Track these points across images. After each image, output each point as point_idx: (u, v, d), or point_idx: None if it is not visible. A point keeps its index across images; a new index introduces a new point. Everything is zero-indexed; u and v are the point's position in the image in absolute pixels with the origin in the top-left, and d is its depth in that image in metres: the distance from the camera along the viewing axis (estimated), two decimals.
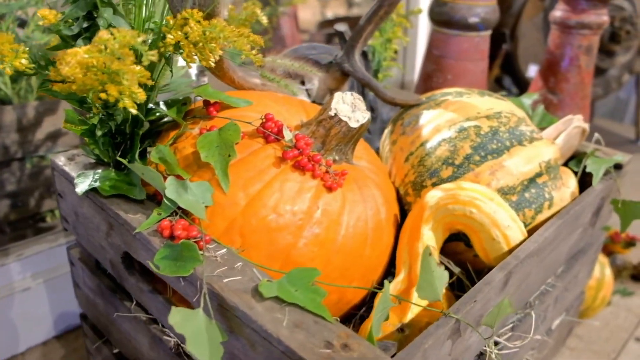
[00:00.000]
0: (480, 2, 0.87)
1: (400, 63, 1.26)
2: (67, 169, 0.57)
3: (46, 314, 0.78)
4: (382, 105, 0.87)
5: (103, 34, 0.38)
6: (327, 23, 3.43)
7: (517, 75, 1.45)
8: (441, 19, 0.89)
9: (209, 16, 0.47)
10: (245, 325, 0.38)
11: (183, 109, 0.56)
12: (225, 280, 0.40)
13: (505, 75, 1.52)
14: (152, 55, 0.37)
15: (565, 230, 0.56)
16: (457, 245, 0.59)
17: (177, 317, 0.36)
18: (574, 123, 0.67)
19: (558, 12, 0.94)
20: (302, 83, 0.78)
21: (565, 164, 0.70)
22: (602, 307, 0.88)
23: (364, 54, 0.82)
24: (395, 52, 0.91)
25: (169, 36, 0.45)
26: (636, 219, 0.63)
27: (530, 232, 0.54)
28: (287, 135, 0.51)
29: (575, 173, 0.68)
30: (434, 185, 0.59)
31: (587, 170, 0.65)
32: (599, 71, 1.45)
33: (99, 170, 0.54)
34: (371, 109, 0.85)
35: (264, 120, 0.52)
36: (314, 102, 0.78)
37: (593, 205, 0.62)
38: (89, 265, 0.61)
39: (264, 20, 0.74)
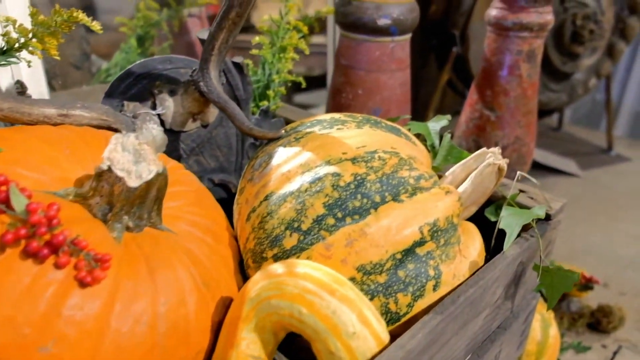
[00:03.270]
0: (392, 0, 0.70)
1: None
2: None
3: None
4: (269, 128, 0.70)
5: None
6: None
7: (470, 81, 1.28)
8: (347, 21, 0.72)
9: None
10: None
11: None
12: None
13: (459, 82, 1.36)
14: None
15: (452, 326, 0.40)
16: None
17: None
18: (487, 160, 0.50)
19: (493, 11, 0.77)
20: (154, 106, 0.61)
21: (481, 212, 0.53)
22: None
23: (239, 67, 0.65)
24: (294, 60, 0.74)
25: None
26: (566, 290, 0.47)
27: (406, 327, 0.38)
28: (18, 203, 0.34)
29: (494, 224, 0.51)
30: (276, 258, 0.42)
31: (501, 226, 0.48)
32: (563, 75, 1.28)
33: None
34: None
35: None
36: (170, 130, 0.61)
37: (505, 277, 0.46)
38: None
39: (97, 27, 0.57)
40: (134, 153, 0.38)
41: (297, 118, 0.70)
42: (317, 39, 1.92)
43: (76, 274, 0.34)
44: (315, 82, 1.54)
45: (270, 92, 0.71)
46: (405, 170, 0.44)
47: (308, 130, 0.49)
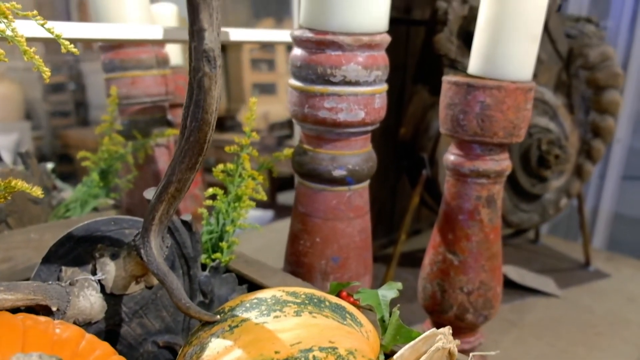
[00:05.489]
0: (347, 151, 0.70)
1: None
2: None
3: None
4: (219, 285, 0.68)
5: None
6: (276, 126, 3.34)
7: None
8: (303, 170, 0.72)
9: None
10: None
11: None
12: None
13: (433, 202, 1.35)
14: None
15: None
16: None
17: None
18: (436, 343, 0.47)
19: (451, 157, 0.78)
20: (94, 270, 0.59)
21: None
22: None
23: (188, 225, 0.63)
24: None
25: None
26: None
27: None
28: None
29: None
30: None
31: None
32: (533, 196, 1.29)
33: None
34: (202, 293, 0.66)
35: None
36: (111, 294, 0.58)
37: None
38: None
39: (38, 192, 0.55)
40: None
41: (250, 272, 0.68)
42: None
43: None
44: None
45: (224, 244, 0.69)
46: None
47: (245, 315, 0.46)
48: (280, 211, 2.43)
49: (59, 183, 1.11)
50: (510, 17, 0.68)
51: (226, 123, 3.06)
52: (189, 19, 0.39)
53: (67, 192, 1.06)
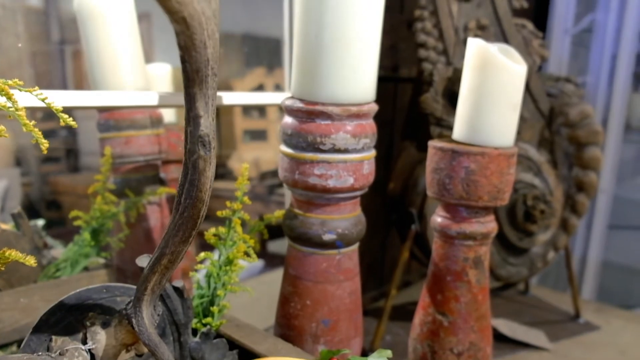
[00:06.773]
0: (336, 216, 0.71)
1: None
2: None
3: None
4: (210, 351, 0.68)
5: None
6: (267, 175, 3.36)
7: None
8: (293, 234, 0.74)
9: None
10: None
11: None
12: None
13: (422, 255, 1.37)
14: None
15: None
16: None
17: None
18: None
19: (438, 219, 0.79)
20: (85, 340, 0.59)
21: None
22: None
23: (179, 292, 0.64)
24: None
25: None
26: None
27: None
28: None
29: None
30: None
31: None
32: (521, 250, 1.31)
33: None
34: (192, 359, 0.66)
35: None
36: None
37: None
38: None
39: (31, 262, 0.56)
40: None
41: (241, 336, 0.68)
42: None
43: None
44: None
45: (215, 309, 0.69)
46: None
47: None
48: (271, 260, 2.41)
49: (49, 240, 1.11)
50: (491, 88, 0.71)
51: (217, 171, 3.08)
52: (185, 106, 0.41)
53: (58, 250, 1.06)
